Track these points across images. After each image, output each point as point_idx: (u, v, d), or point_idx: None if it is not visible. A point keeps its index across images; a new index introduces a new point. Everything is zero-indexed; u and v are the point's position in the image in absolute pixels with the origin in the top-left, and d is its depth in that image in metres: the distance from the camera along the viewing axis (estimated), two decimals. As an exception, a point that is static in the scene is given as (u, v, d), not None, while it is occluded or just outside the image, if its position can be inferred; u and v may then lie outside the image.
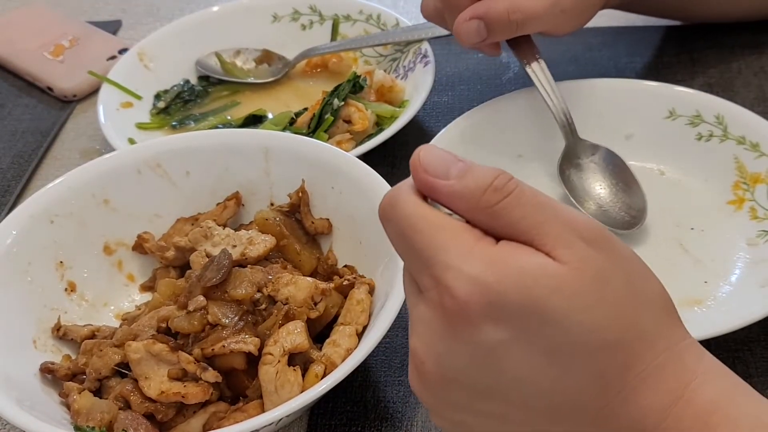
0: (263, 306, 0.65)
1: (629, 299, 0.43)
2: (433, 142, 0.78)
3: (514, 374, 0.42)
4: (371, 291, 0.67)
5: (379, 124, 0.87)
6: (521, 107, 0.82)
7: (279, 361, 0.61)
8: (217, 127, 0.91)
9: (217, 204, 0.75)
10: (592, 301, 0.41)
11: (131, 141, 0.87)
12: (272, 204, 0.75)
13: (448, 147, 0.77)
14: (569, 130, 0.78)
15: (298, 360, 0.63)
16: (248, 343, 0.62)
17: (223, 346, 0.62)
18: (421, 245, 0.43)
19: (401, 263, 0.63)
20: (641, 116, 0.82)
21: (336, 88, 0.87)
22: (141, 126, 0.92)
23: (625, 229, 0.74)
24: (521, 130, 0.82)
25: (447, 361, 0.43)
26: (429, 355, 0.44)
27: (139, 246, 0.74)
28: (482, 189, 0.42)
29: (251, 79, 0.98)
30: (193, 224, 0.74)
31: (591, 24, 0.80)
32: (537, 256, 0.42)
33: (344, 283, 0.67)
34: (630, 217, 0.75)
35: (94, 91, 0.97)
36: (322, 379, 0.61)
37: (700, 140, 0.80)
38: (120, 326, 0.69)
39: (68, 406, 0.63)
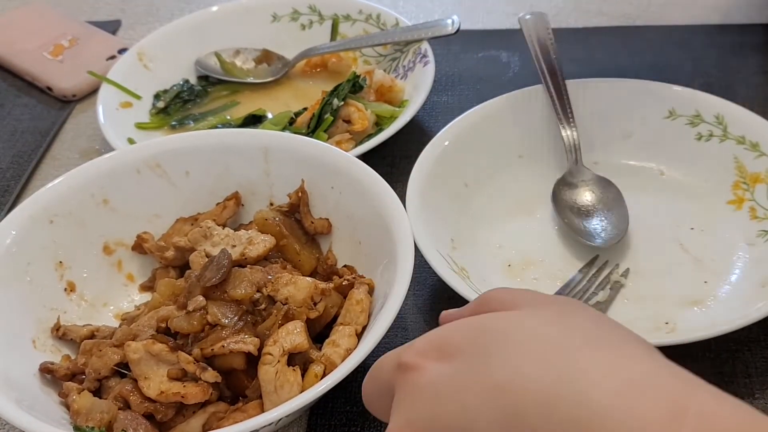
0: (263, 306, 0.64)
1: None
2: (433, 141, 0.78)
3: (472, 406, 0.40)
4: (371, 291, 0.67)
5: (379, 124, 0.87)
6: (521, 107, 0.82)
7: (278, 361, 0.61)
8: (216, 127, 0.91)
9: (217, 204, 0.75)
10: (539, 321, 0.42)
11: (130, 141, 0.87)
12: (272, 204, 0.75)
13: (448, 147, 0.78)
14: (575, 158, 0.79)
15: (297, 360, 0.63)
16: (248, 343, 0.62)
17: (223, 346, 0.62)
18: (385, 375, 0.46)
19: (401, 264, 0.64)
20: (641, 116, 0.82)
21: (335, 88, 0.87)
22: (140, 126, 0.92)
23: (603, 243, 0.74)
24: (521, 130, 0.82)
25: (417, 422, 0.42)
26: (403, 428, 0.43)
27: (139, 246, 0.74)
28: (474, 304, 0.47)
29: (251, 79, 0.98)
30: (192, 224, 0.74)
31: (591, 24, 0.80)
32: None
33: (344, 284, 0.67)
34: (611, 232, 0.75)
35: (93, 91, 0.97)
36: (321, 379, 0.61)
37: (700, 140, 0.80)
38: (119, 326, 0.69)
39: (68, 406, 0.63)
